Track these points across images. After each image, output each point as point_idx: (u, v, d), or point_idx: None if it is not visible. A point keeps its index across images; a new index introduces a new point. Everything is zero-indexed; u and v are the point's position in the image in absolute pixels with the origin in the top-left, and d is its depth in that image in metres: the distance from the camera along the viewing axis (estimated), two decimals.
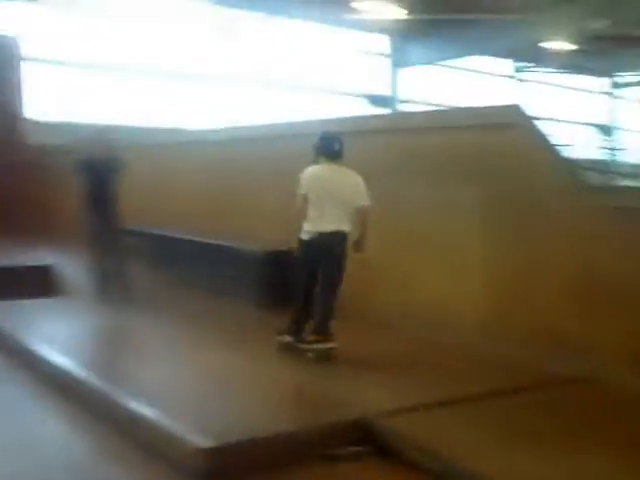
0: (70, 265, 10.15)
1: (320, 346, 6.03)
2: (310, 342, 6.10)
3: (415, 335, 6.70)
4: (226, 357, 6.17)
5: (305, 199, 6.12)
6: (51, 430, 5.04)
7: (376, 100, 23.71)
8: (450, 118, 8.00)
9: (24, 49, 16.62)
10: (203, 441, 4.24)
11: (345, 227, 6.14)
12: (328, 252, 6.10)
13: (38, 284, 9.38)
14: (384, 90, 24.62)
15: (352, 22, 21.91)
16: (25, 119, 16.42)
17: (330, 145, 6.29)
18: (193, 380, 5.63)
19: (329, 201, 6.07)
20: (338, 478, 4.32)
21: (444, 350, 6.36)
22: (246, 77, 22.32)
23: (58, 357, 5.96)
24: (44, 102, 17.99)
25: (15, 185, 15.27)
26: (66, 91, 18.84)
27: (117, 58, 20.28)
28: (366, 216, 6.17)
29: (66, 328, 7.29)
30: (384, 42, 24.72)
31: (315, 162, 6.31)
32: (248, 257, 8.29)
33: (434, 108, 21.30)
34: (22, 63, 16.47)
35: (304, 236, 6.17)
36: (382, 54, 24.91)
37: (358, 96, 23.89)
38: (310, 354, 6.05)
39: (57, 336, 6.81)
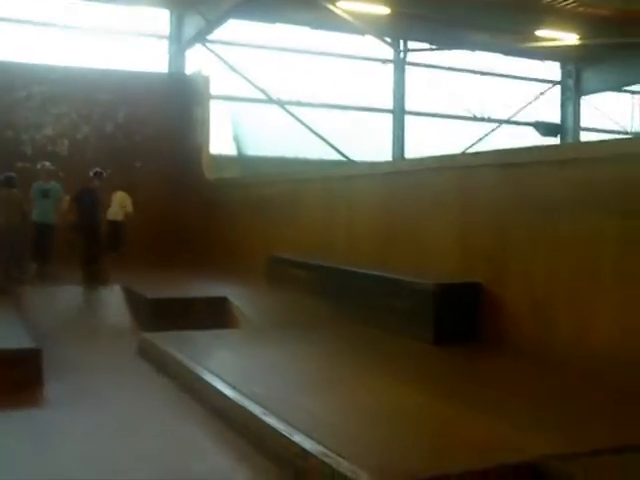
0: (244, 297, 10.36)
1: None
2: None
3: (594, 374, 6.36)
4: (394, 393, 6.05)
5: None
6: (214, 463, 5.05)
7: (548, 129, 23.13)
8: (628, 147, 7.61)
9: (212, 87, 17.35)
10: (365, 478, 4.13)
11: None
12: None
13: (213, 315, 9.66)
14: (556, 119, 24.02)
15: (526, 51, 21.64)
16: (208, 154, 17.09)
17: None
18: (361, 416, 5.53)
19: None
20: None
21: (618, 390, 5.96)
22: (419, 108, 22.51)
23: (227, 389, 6.03)
24: (221, 137, 18.79)
25: (194, 218, 15.92)
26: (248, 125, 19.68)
27: (295, 92, 20.97)
28: None
29: (238, 360, 7.40)
30: (556, 69, 24.18)
31: None
32: (420, 291, 8.15)
33: (612, 136, 20.53)
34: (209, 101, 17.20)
35: None
36: (553, 82, 24.35)
37: (528, 125, 23.44)
38: None
39: (228, 367, 6.91)
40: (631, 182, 6.59)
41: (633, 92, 23.78)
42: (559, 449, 4.64)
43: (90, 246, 11.65)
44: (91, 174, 12.81)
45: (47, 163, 13.51)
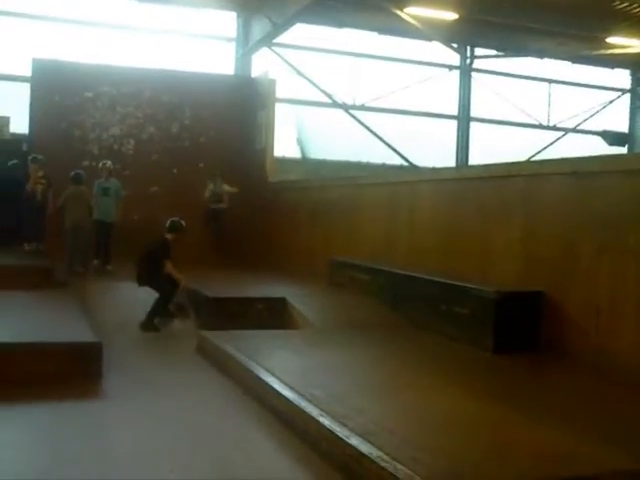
0: (304, 298, 10.38)
1: None
2: None
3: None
4: (453, 400, 5.98)
5: None
6: (270, 464, 5.06)
7: (615, 138, 22.72)
8: None
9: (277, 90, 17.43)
10: None
11: None
12: None
13: (272, 316, 9.70)
14: (623, 128, 23.59)
15: (595, 58, 21.31)
16: (272, 157, 17.19)
17: None
18: (418, 421, 5.48)
19: None
20: None
21: None
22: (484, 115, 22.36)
23: (285, 390, 6.04)
24: (286, 140, 18.91)
25: (257, 220, 16.02)
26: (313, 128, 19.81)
27: (360, 96, 21.02)
28: None
29: (297, 360, 7.40)
30: (626, 77, 23.76)
31: None
32: (481, 298, 8.06)
33: None
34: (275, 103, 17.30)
35: None
36: (623, 90, 23.92)
37: (596, 134, 23.06)
38: None
39: (286, 368, 6.91)
40: None
41: None
42: (624, 464, 4.55)
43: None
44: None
45: (108, 162, 13.66)
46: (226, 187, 15.68)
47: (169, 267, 9.52)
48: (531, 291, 7.93)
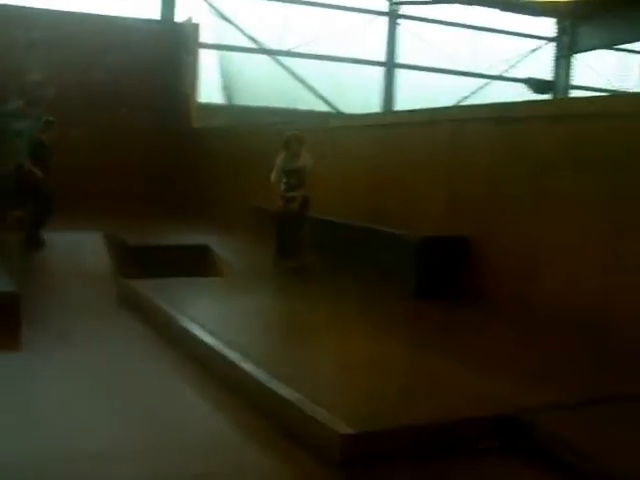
0: (228, 246, 10.27)
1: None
2: None
3: (570, 331, 6.36)
4: (374, 344, 6.02)
5: None
6: (192, 409, 5.01)
7: (540, 86, 22.93)
8: (622, 104, 7.49)
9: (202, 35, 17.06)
10: (345, 428, 4.10)
11: None
12: None
13: (195, 264, 9.56)
14: (549, 76, 23.81)
15: (521, 6, 21.38)
16: (196, 102, 16.88)
17: None
18: (338, 365, 5.49)
19: None
20: (481, 474, 4.09)
21: (599, 347, 6.03)
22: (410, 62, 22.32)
23: (207, 336, 5.96)
24: (210, 86, 18.55)
25: (180, 167, 15.76)
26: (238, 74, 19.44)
27: (286, 42, 20.73)
28: None
29: (218, 308, 7.33)
30: (549, 26, 23.92)
31: None
32: (404, 244, 8.07)
33: (602, 94, 20.39)
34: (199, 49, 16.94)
35: None
36: (547, 38, 24.10)
37: (521, 81, 23.23)
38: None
39: (208, 315, 6.84)
40: (618, 139, 6.50)
41: (626, 50, 23.54)
42: (537, 401, 4.64)
43: None
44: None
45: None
46: (307, 158, 9.28)
47: (27, 164, 9.81)
48: (454, 236, 7.97)
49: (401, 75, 22.58)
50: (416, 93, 20.92)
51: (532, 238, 7.25)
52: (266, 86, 19.92)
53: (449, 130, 8.45)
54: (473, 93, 22.69)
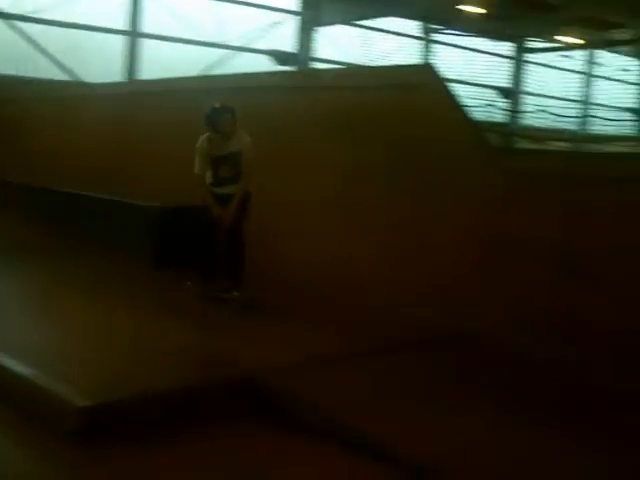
0: None
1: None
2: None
3: (313, 293, 6.62)
4: (112, 313, 5.94)
5: None
6: None
7: (283, 58, 23.39)
8: (360, 77, 7.80)
9: None
10: (79, 400, 4.00)
11: None
12: None
13: None
14: (291, 48, 24.34)
15: None
16: None
17: None
18: (71, 336, 5.32)
19: None
20: (222, 440, 4.12)
21: (339, 308, 6.35)
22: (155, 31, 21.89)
23: None
24: None
25: None
26: None
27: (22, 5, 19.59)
28: None
29: None
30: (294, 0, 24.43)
31: None
32: (142, 214, 7.93)
33: (345, 67, 21.12)
34: None
35: None
36: (291, 12, 24.59)
37: (264, 53, 23.56)
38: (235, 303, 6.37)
39: None
40: (359, 109, 6.77)
41: (363, 26, 24.56)
42: (275, 363, 4.83)
43: None
44: None
45: None
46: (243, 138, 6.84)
47: None
48: (195, 205, 7.94)
49: (146, 45, 22.11)
50: (162, 63, 20.57)
51: (274, 212, 7.39)
52: None
53: (191, 99, 8.37)
54: (218, 64, 22.69)
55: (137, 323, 5.72)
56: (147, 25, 22.06)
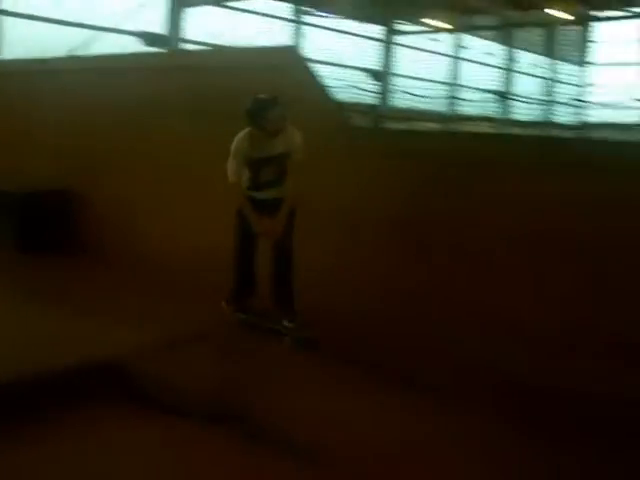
0: None
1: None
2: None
3: (172, 277, 6.63)
4: None
5: None
6: None
7: (152, 39, 23.07)
8: (227, 58, 7.83)
9: None
10: None
11: None
12: None
13: None
14: (160, 29, 24.01)
15: None
16: None
17: None
18: None
19: None
20: (72, 423, 4.03)
21: (196, 289, 6.37)
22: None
23: None
24: None
25: None
26: None
27: None
28: None
29: None
30: None
31: None
32: (6, 198, 7.79)
33: (212, 48, 21.02)
34: None
35: None
36: None
37: (133, 35, 23.15)
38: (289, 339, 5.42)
39: None
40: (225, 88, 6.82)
41: (234, 8, 24.46)
42: (135, 343, 4.92)
43: None
44: None
45: None
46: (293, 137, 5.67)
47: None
48: (58, 189, 7.84)
49: (9, 23, 21.35)
50: (26, 44, 19.92)
51: (133, 189, 7.36)
52: None
53: (56, 80, 8.22)
54: (84, 45, 22.15)
55: (8, 309, 5.64)
56: (10, 3, 21.30)
